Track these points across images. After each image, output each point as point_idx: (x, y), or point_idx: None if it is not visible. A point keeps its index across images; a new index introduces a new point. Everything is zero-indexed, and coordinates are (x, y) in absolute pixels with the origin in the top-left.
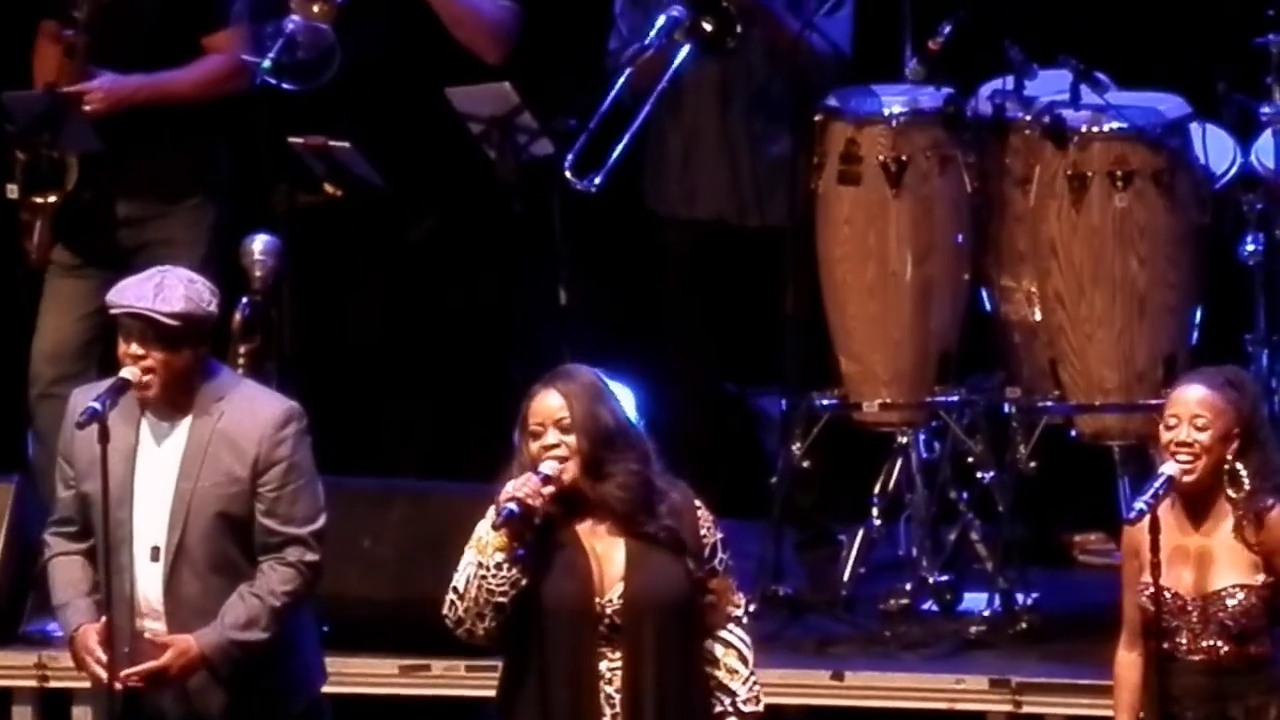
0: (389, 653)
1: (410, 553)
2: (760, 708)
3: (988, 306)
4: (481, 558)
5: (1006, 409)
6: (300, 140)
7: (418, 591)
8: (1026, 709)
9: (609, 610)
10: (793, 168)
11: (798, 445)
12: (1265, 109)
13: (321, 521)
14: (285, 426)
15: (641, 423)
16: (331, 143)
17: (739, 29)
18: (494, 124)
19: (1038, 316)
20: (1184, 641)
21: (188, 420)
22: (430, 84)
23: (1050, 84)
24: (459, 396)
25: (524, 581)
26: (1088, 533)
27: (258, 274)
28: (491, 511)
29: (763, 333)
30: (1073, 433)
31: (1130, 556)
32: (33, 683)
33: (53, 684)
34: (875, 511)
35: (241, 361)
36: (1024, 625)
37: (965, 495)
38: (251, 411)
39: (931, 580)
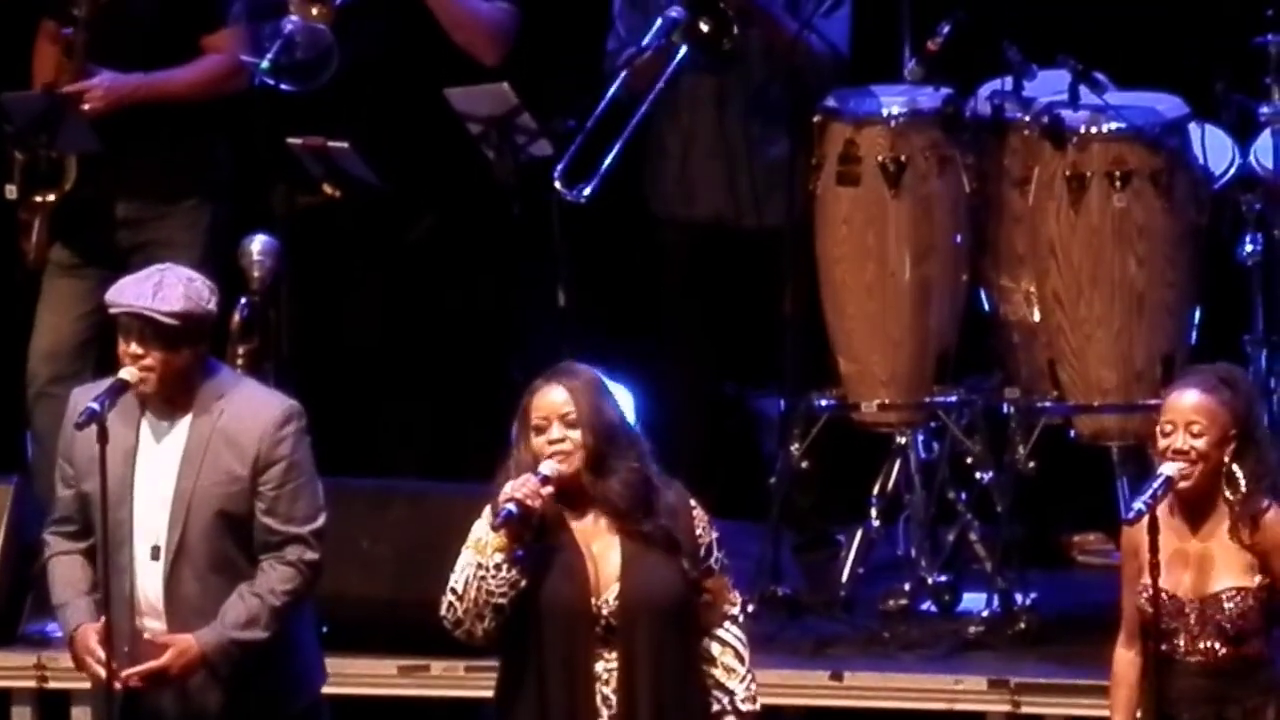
0: (388, 653)
1: (409, 553)
2: (757, 706)
3: (986, 307)
4: (481, 558)
5: (1005, 409)
6: (299, 141)
7: (416, 592)
8: (1025, 709)
9: (605, 610)
10: (790, 168)
11: (796, 446)
12: (1264, 109)
13: (321, 520)
14: (285, 425)
15: (638, 424)
16: (330, 143)
17: (736, 30)
18: (492, 124)
19: (1036, 317)
20: (1181, 643)
21: (188, 419)
22: (429, 85)
23: (1049, 84)
24: (457, 397)
25: (523, 583)
26: (1086, 533)
27: (256, 274)
28: (487, 512)
29: (761, 334)
30: (1071, 433)
31: (1129, 557)
32: (32, 683)
33: (52, 684)
34: (874, 512)
35: (240, 362)
36: (1023, 626)
37: (964, 496)
38: (251, 410)
39: (930, 581)
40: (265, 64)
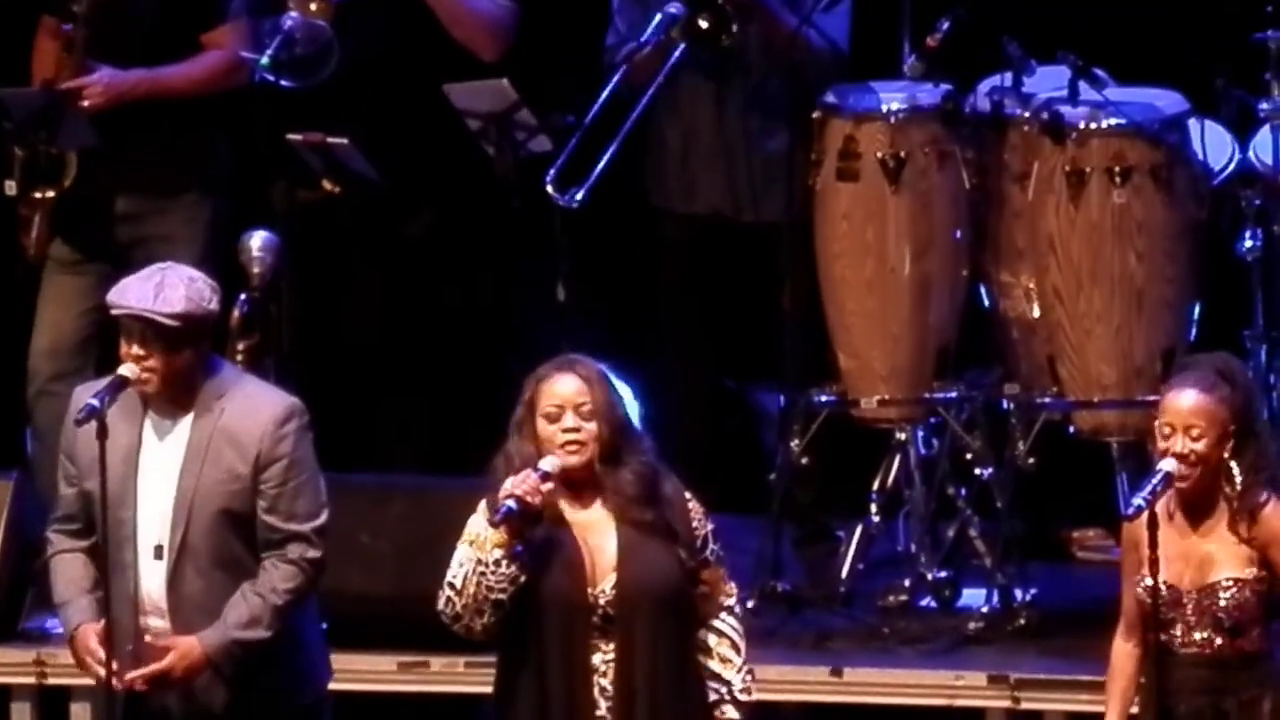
0: (388, 649)
1: (409, 549)
2: (754, 697)
3: (986, 302)
4: (480, 554)
5: (1005, 405)
6: (299, 137)
7: (416, 587)
8: (1025, 705)
9: (602, 601)
10: (789, 163)
11: (796, 441)
12: (1264, 105)
13: (324, 517)
14: (287, 423)
15: (639, 418)
16: (330, 139)
17: (735, 27)
18: (492, 120)
19: (1036, 312)
20: (1178, 634)
21: (190, 418)
22: (428, 80)
23: (1048, 80)
24: (457, 392)
25: (522, 578)
26: (1086, 528)
27: (256, 270)
28: (483, 507)
29: (761, 329)
30: (1071, 428)
31: (1130, 549)
32: (31, 679)
33: (51, 681)
34: (874, 508)
35: (239, 358)
36: (1022, 621)
37: (964, 491)
38: (253, 408)
39: (930, 576)
40: (265, 60)
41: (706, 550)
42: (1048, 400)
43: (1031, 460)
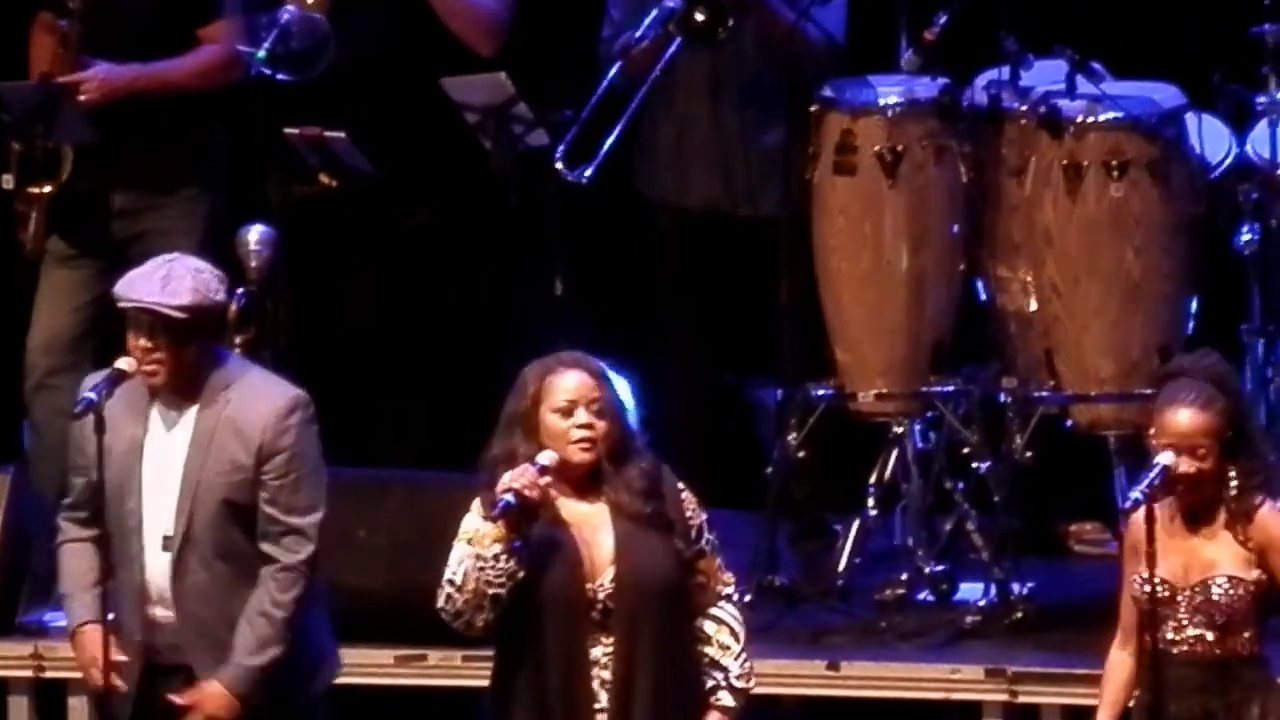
0: (385, 643)
1: (405, 543)
2: (752, 684)
3: (983, 296)
4: (479, 549)
5: (1002, 399)
6: (295, 131)
7: (413, 582)
8: (1022, 699)
9: (601, 595)
10: (786, 157)
11: (793, 435)
12: (1261, 99)
13: (322, 512)
14: (290, 415)
15: (637, 413)
16: (326, 133)
17: (732, 21)
18: (489, 114)
19: (1033, 306)
20: (1170, 633)
21: (195, 409)
22: (425, 74)
23: (1046, 74)
24: (453, 387)
25: (521, 573)
26: (1083, 522)
27: (253, 264)
28: (477, 505)
29: (757, 323)
30: (1068, 423)
31: (1130, 556)
32: (29, 673)
33: (49, 674)
34: (871, 502)
35: (236, 352)
36: (1019, 615)
37: (961, 485)
38: (257, 400)
39: (927, 570)
40: (261, 54)
41: (702, 540)
42: (1045, 394)
43: (1028, 454)
